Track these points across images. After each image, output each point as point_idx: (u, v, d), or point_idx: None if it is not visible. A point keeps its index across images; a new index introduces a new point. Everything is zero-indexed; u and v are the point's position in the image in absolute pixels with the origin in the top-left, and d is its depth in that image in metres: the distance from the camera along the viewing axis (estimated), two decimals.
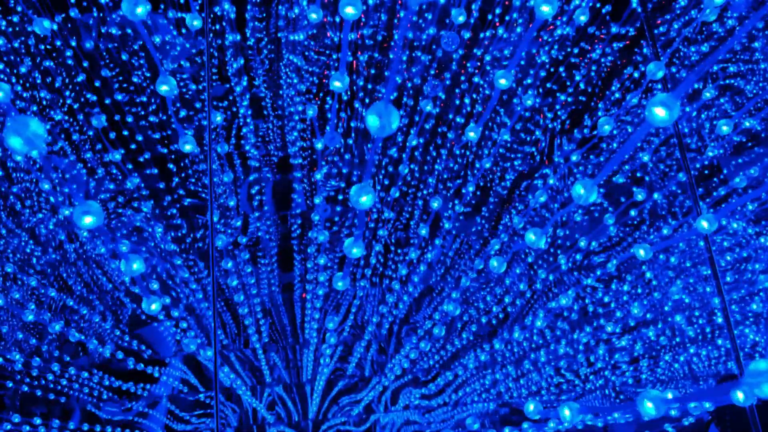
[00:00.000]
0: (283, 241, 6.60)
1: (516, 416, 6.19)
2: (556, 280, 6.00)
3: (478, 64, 5.59)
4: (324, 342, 5.41)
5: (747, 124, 2.93)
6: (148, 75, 6.00)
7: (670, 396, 1.43)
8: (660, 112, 1.14)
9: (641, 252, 2.06)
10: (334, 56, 6.04)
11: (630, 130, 5.41)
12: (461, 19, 2.22)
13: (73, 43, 4.73)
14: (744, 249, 5.11)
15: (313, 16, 2.29)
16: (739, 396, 1.47)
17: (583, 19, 2.23)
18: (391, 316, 5.74)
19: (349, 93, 5.75)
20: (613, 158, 1.44)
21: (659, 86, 4.62)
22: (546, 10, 1.60)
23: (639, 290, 5.30)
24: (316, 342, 5.62)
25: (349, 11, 1.48)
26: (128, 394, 5.73)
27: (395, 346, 6.33)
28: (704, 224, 1.73)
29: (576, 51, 6.03)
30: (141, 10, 1.41)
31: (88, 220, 1.24)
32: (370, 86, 5.97)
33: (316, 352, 5.74)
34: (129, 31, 5.92)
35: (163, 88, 1.61)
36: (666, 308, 5.11)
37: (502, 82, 1.92)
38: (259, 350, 5.48)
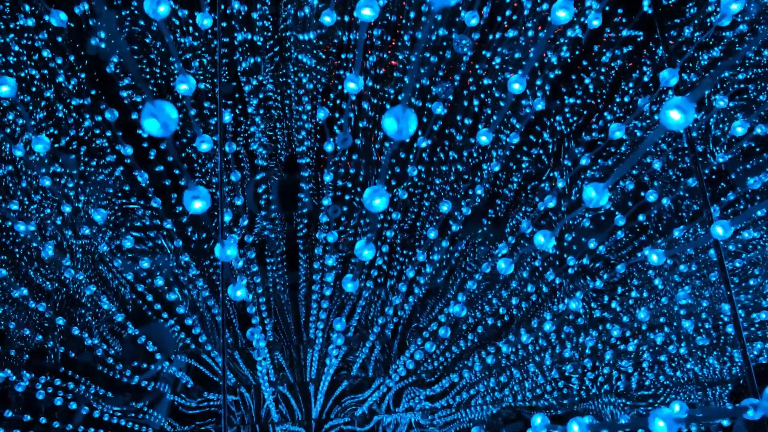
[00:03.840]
0: (289, 241, 6.61)
1: (519, 422, 6.18)
2: (562, 283, 5.99)
3: (487, 66, 5.58)
4: (330, 342, 5.41)
5: (758, 130, 2.90)
6: (158, 71, 6.01)
7: (678, 408, 1.42)
8: (675, 116, 1.14)
9: (653, 257, 2.05)
10: (343, 56, 6.04)
11: (639, 134, 5.38)
12: (474, 21, 2.20)
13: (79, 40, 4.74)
14: (752, 254, 5.09)
15: (327, 19, 2.28)
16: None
17: (596, 23, 2.22)
18: (396, 317, 5.74)
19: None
20: (626, 163, 1.44)
21: (671, 91, 4.60)
22: (562, 15, 1.59)
23: (645, 294, 5.29)
24: (321, 342, 5.62)
25: (367, 13, 1.47)
26: (132, 390, 5.75)
27: (399, 347, 6.33)
28: (719, 230, 1.72)
29: (580, 52, 6.02)
30: (163, 9, 1.40)
31: (197, 205, 1.25)
32: (378, 87, 5.97)
33: (320, 351, 5.74)
34: (142, 23, 5.94)
35: (183, 87, 1.60)
36: (673, 313, 5.10)
37: (516, 87, 1.91)
38: (263, 350, 5.48)
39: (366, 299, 5.50)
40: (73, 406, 4.30)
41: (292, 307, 6.47)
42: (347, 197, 5.90)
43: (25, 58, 5.25)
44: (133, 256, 6.27)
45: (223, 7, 4.84)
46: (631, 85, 5.65)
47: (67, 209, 2.82)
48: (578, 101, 6.06)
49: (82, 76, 5.14)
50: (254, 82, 5.29)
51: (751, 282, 4.79)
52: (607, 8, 5.95)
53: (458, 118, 5.85)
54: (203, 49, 5.58)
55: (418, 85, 5.43)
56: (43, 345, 6.02)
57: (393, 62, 6.05)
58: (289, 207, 6.82)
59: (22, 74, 5.54)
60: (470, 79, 5.64)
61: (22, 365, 5.06)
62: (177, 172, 5.43)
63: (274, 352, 5.87)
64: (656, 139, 1.35)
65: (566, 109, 6.19)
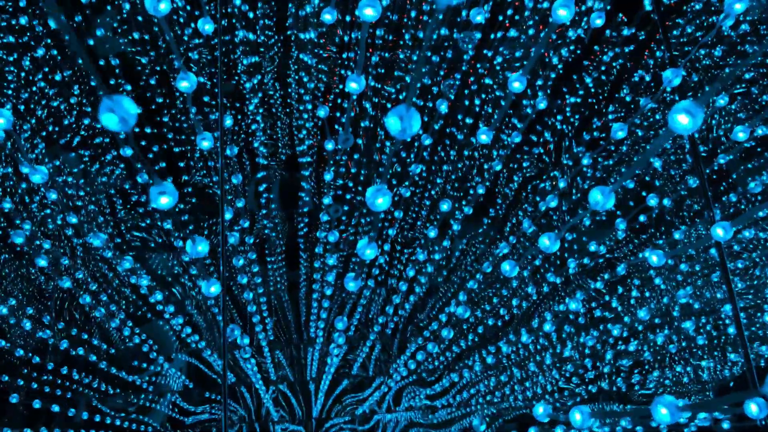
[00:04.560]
0: (290, 240, 6.61)
1: (520, 419, 6.18)
2: (563, 283, 5.99)
3: (489, 65, 5.57)
4: (332, 341, 5.40)
5: (760, 131, 2.91)
6: (158, 69, 6.00)
7: (681, 404, 1.42)
8: (683, 120, 1.13)
9: (654, 258, 2.05)
10: (344, 56, 6.03)
11: (640, 133, 5.37)
12: (479, 18, 2.20)
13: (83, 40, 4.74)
14: (754, 254, 5.09)
15: (327, 17, 2.28)
16: (753, 408, 1.46)
17: (599, 23, 2.21)
18: (396, 316, 5.73)
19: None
20: (632, 166, 1.43)
21: (668, 89, 4.60)
22: (563, 14, 1.59)
23: (647, 294, 5.28)
24: (322, 341, 5.62)
25: (369, 13, 1.46)
26: (134, 388, 5.75)
27: (399, 347, 6.33)
28: (719, 232, 1.72)
29: (581, 52, 6.02)
30: (164, 7, 1.40)
31: (164, 201, 1.25)
32: (379, 86, 5.96)
33: (321, 350, 5.74)
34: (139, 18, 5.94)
35: (184, 85, 1.60)
36: (674, 313, 5.10)
37: (516, 86, 1.91)
38: (264, 348, 5.48)
39: (367, 298, 5.50)
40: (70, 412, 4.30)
41: (293, 306, 6.47)
42: (348, 196, 5.90)
43: (28, 56, 5.25)
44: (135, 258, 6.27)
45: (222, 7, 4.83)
46: (634, 80, 5.64)
47: (73, 220, 2.82)
48: (579, 100, 6.06)
49: (92, 80, 5.14)
50: (255, 81, 5.29)
51: (740, 284, 4.79)
52: (608, 7, 5.93)
53: (459, 117, 5.85)
54: (204, 47, 5.57)
55: (419, 84, 5.42)
56: (44, 343, 6.03)
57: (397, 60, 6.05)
58: (290, 206, 6.82)
59: (23, 74, 5.54)
60: (471, 79, 5.63)
61: (23, 363, 5.07)
62: (182, 165, 5.43)
63: (275, 351, 5.87)
64: (663, 144, 1.34)
65: (567, 109, 6.18)
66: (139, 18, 5.96)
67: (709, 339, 5.43)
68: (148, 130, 5.23)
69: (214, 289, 1.96)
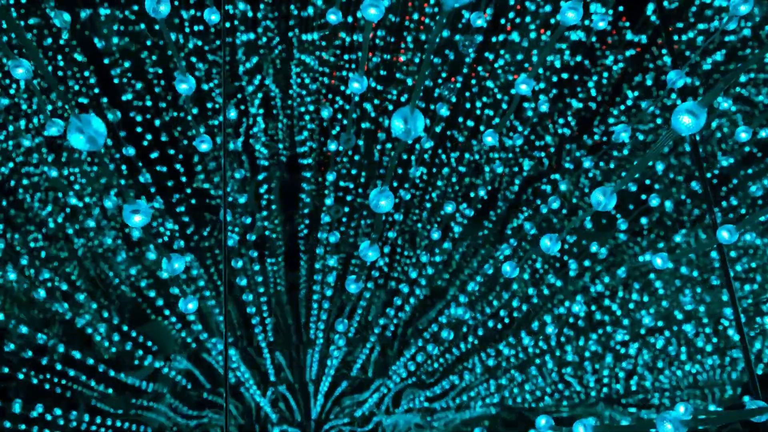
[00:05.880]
0: (290, 241, 6.60)
1: (520, 422, 6.17)
2: (564, 285, 5.99)
3: (490, 68, 5.58)
4: (332, 343, 5.40)
5: (763, 134, 2.91)
6: (160, 72, 6.00)
7: (683, 410, 1.42)
8: (686, 120, 1.13)
9: (658, 261, 2.04)
10: (345, 57, 6.03)
11: (641, 137, 5.38)
12: (479, 22, 2.19)
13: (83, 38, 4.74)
14: (753, 259, 5.09)
15: (332, 17, 2.28)
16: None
17: (602, 25, 2.21)
18: (397, 318, 5.73)
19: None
20: (634, 168, 1.43)
21: (674, 95, 4.61)
22: (572, 16, 1.58)
23: (646, 298, 5.28)
24: (322, 342, 5.62)
25: (372, 12, 1.46)
26: (132, 389, 5.74)
27: (399, 349, 6.32)
28: (725, 235, 1.71)
29: (585, 56, 6.03)
30: (164, 8, 1.40)
31: (137, 219, 1.22)
32: (380, 87, 5.96)
33: (321, 352, 5.73)
34: (142, 26, 5.94)
35: (183, 87, 1.60)
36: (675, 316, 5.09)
37: (523, 88, 1.90)
38: (264, 349, 5.48)
39: (367, 300, 5.50)
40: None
41: (292, 308, 6.47)
42: (349, 198, 5.90)
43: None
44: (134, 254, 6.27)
45: (229, 8, 4.84)
46: (634, 84, 5.65)
47: (74, 201, 2.80)
48: (581, 105, 6.06)
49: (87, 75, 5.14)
50: (257, 82, 5.29)
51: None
52: (611, 11, 5.95)
53: (460, 120, 5.85)
54: (206, 48, 5.57)
55: (422, 87, 5.41)
56: (45, 342, 6.01)
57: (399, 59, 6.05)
58: (291, 207, 6.82)
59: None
60: (473, 81, 5.64)
61: (22, 362, 5.06)
62: (182, 169, 5.43)
63: (274, 353, 5.86)
64: (666, 144, 1.34)
65: (569, 112, 6.19)
66: (142, 26, 5.96)
67: (708, 341, 5.42)
68: (149, 137, 5.22)
69: (191, 306, 1.87)
